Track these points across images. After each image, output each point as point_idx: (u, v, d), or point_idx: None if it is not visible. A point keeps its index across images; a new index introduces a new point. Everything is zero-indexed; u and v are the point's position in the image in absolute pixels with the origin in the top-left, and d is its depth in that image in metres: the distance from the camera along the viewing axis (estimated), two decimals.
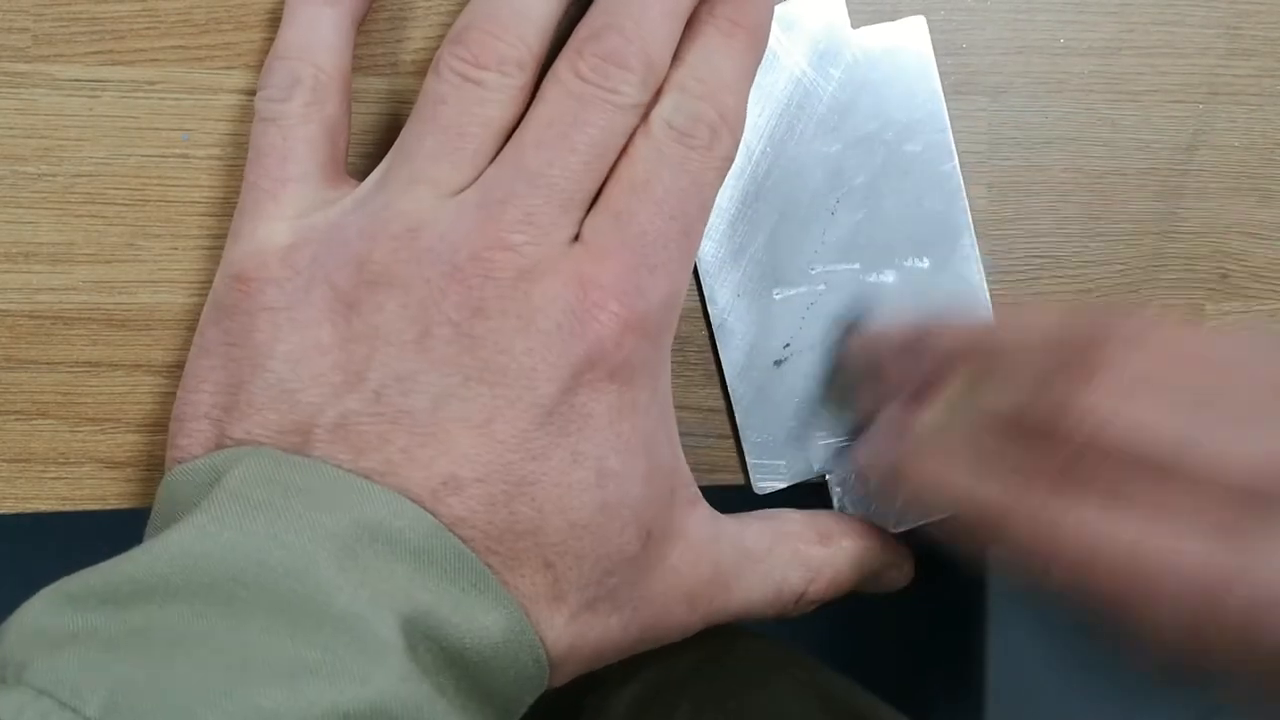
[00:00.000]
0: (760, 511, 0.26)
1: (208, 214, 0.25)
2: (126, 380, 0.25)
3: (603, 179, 0.22)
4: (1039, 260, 0.28)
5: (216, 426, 0.21)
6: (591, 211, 0.22)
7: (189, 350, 0.25)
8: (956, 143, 0.27)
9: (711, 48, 0.23)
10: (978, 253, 0.27)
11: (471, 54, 0.22)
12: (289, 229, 0.22)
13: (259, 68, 0.25)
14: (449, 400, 0.20)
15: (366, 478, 0.20)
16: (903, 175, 0.27)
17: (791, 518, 0.26)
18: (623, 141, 0.22)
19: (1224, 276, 0.29)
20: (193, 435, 0.21)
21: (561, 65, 0.22)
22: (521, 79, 0.22)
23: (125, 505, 0.25)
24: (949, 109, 0.27)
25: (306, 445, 0.20)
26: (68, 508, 0.25)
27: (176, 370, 0.25)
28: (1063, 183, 0.28)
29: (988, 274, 0.28)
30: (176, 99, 0.25)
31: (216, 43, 0.25)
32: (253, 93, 0.25)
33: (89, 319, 0.25)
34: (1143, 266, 0.29)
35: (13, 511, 0.25)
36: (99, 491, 0.25)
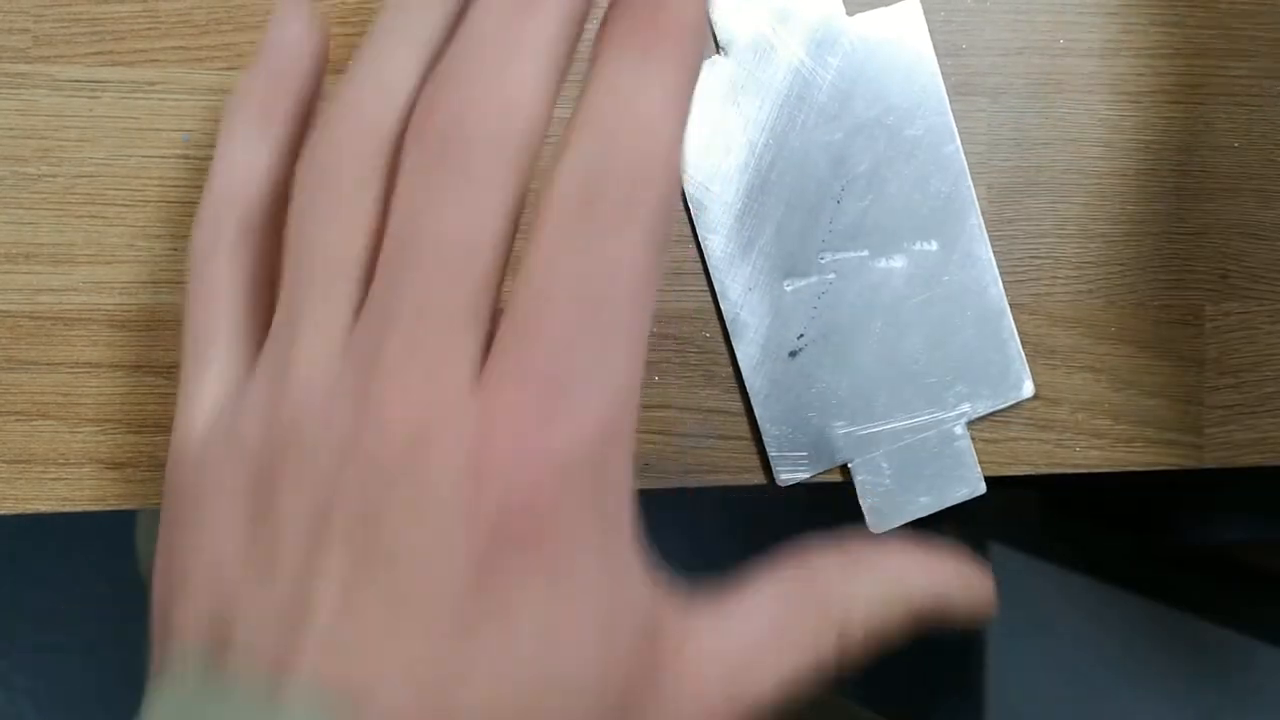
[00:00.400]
0: (757, 574, 0.21)
1: None
2: (127, 381, 0.25)
3: (501, 275, 0.18)
4: (1039, 260, 0.28)
5: (163, 620, 0.19)
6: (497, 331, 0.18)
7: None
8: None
9: (622, 70, 0.17)
10: (986, 232, 0.27)
11: (320, 165, 0.19)
12: (203, 413, 0.20)
13: None
14: (355, 605, 0.17)
15: (278, 694, 0.17)
16: (906, 159, 0.27)
17: (789, 570, 0.21)
18: (510, 225, 0.18)
19: (1224, 277, 0.29)
20: (157, 626, 0.20)
21: (406, 143, 0.18)
22: (380, 182, 0.19)
23: (125, 506, 0.25)
24: (949, 109, 0.27)
25: (222, 655, 0.18)
26: (68, 508, 0.25)
27: (176, 370, 0.25)
28: (1063, 183, 0.28)
29: None
30: (177, 100, 0.25)
31: (217, 43, 0.25)
32: None
33: (89, 319, 0.25)
34: (1142, 267, 0.29)
35: (13, 512, 0.25)
36: (99, 492, 0.25)
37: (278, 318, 0.19)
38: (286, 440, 0.18)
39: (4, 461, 0.25)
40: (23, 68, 0.25)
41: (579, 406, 0.17)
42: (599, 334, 0.17)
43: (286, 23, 0.21)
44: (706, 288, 0.27)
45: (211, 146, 0.25)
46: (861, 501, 0.27)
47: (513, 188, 0.17)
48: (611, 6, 0.18)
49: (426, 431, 0.17)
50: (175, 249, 0.25)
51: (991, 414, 0.28)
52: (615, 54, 0.17)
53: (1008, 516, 0.95)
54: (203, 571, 0.19)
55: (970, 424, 0.27)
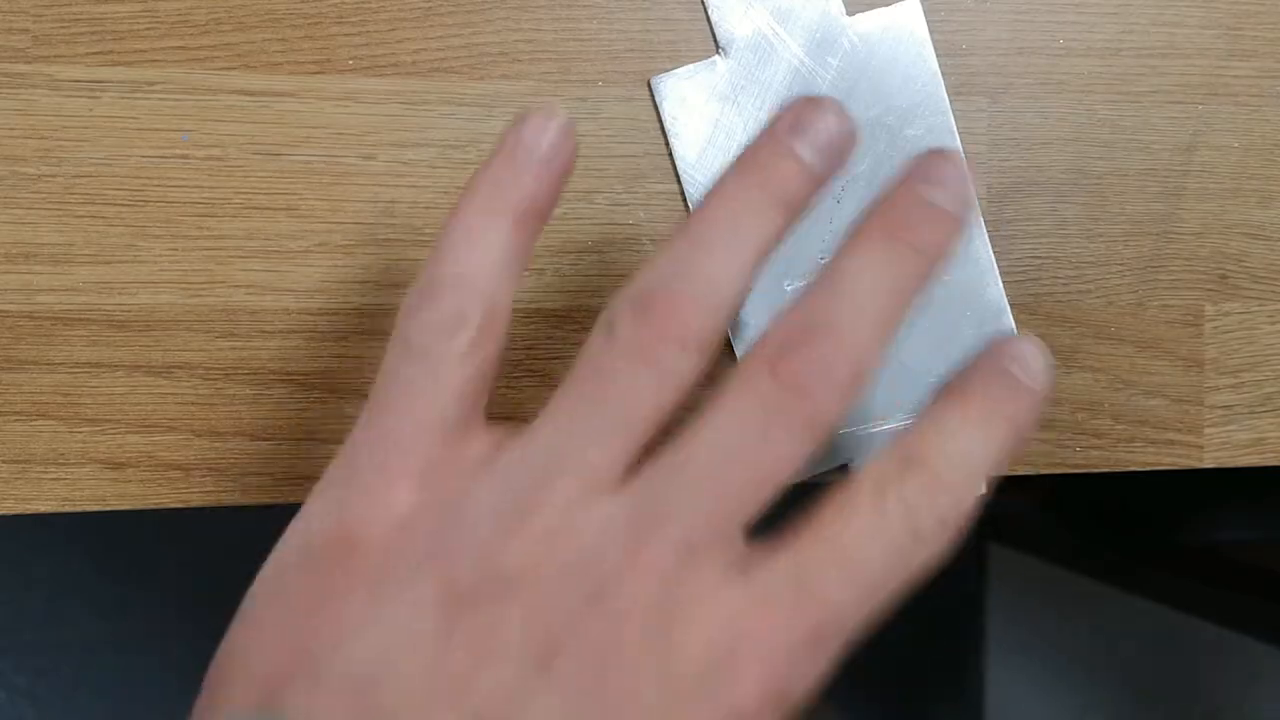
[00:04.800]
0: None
1: (208, 214, 0.25)
2: (126, 381, 0.25)
3: (773, 499, 0.19)
4: (1039, 260, 0.28)
5: (267, 687, 0.18)
6: (774, 550, 0.19)
7: (189, 357, 0.25)
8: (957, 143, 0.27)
9: (969, 423, 0.20)
10: (985, 232, 0.27)
11: (655, 326, 0.19)
12: (413, 491, 0.19)
13: (259, 68, 0.25)
14: None
15: None
16: (906, 159, 0.27)
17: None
18: (802, 466, 0.19)
19: (1223, 277, 0.29)
20: (238, 686, 0.18)
21: (755, 364, 0.19)
22: (702, 363, 0.19)
23: (124, 506, 0.25)
24: (949, 109, 0.27)
25: None
26: (67, 508, 0.25)
27: (176, 370, 0.25)
28: (1063, 183, 0.28)
29: None
30: (176, 99, 0.25)
31: (217, 43, 0.25)
32: (253, 93, 0.25)
33: (89, 320, 0.25)
34: (1142, 267, 0.29)
35: (13, 512, 0.25)
36: (99, 492, 0.25)
37: (546, 425, 0.19)
38: (534, 549, 0.18)
39: (4, 461, 0.25)
40: (23, 68, 0.25)
41: (819, 664, 0.19)
42: (860, 615, 0.19)
43: (546, 125, 0.21)
44: None
45: (212, 147, 0.25)
46: None
47: (818, 442, 0.19)
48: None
49: (688, 604, 0.18)
50: (175, 249, 0.25)
51: None
52: (977, 404, 0.20)
53: (1008, 516, 0.95)
54: (363, 654, 0.18)
55: None
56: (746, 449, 0.18)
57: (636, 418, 0.19)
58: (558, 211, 0.27)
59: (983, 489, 0.20)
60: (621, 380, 0.19)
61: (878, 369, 0.19)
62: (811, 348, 0.19)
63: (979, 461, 0.20)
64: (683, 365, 0.19)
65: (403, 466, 0.19)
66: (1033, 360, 0.20)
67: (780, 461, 0.19)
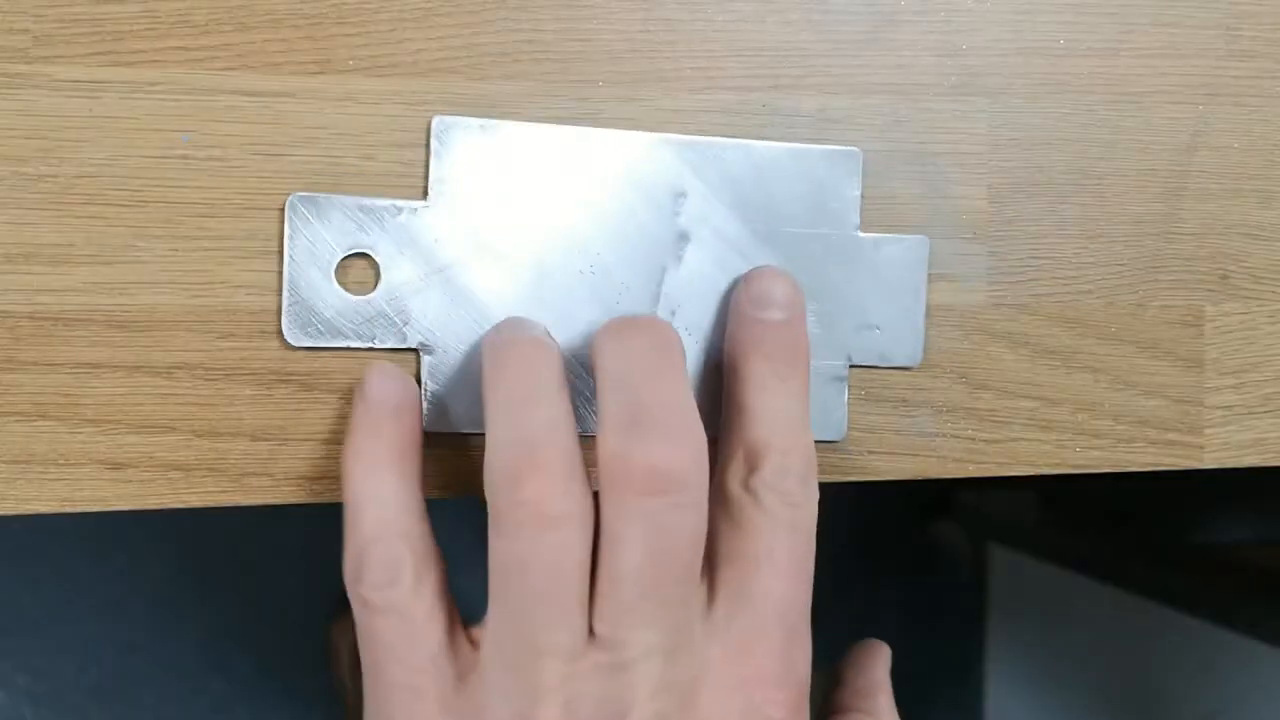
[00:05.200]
0: None
1: (208, 215, 0.25)
2: (127, 381, 0.25)
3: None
4: (1039, 261, 0.28)
5: None
6: (715, 597, 0.22)
7: (190, 357, 0.25)
8: (957, 143, 0.27)
9: (774, 392, 0.23)
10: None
11: (536, 498, 0.21)
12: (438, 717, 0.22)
13: (259, 69, 0.25)
14: None
15: None
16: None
17: None
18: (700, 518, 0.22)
19: (1224, 278, 0.29)
20: None
21: (731, 482, 0.23)
22: (590, 504, 0.21)
23: (125, 507, 0.25)
24: (949, 109, 0.27)
25: None
26: (68, 509, 0.25)
27: (177, 371, 0.25)
28: (1063, 184, 0.28)
29: (988, 275, 0.28)
30: (176, 100, 0.25)
31: (217, 44, 0.25)
32: (253, 94, 0.25)
33: (89, 320, 0.25)
34: (1142, 267, 0.29)
35: (13, 512, 0.25)
36: (99, 493, 0.25)
37: (500, 626, 0.22)
38: None
39: (4, 461, 0.25)
40: (22, 68, 0.25)
41: (805, 646, 0.23)
42: (804, 590, 0.23)
43: (383, 373, 0.24)
44: None
45: (212, 148, 0.25)
46: None
47: (702, 506, 0.22)
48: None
49: (691, 691, 0.22)
50: (175, 249, 0.25)
51: (873, 367, 0.27)
52: (766, 373, 0.24)
53: (1008, 516, 0.95)
54: None
55: (967, 425, 0.27)
56: (663, 548, 0.21)
57: (568, 583, 0.21)
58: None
59: (809, 427, 0.24)
60: (535, 564, 0.21)
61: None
62: (640, 451, 0.21)
63: (797, 414, 0.23)
64: (579, 514, 0.21)
65: (422, 708, 0.22)
66: (770, 291, 0.24)
67: (693, 536, 0.21)
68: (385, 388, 0.23)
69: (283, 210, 0.25)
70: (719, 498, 0.23)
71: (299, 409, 0.26)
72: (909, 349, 0.27)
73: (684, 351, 0.22)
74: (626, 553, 0.21)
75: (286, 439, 0.26)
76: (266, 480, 0.26)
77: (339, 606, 0.85)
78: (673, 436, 0.21)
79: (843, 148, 0.27)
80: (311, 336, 0.25)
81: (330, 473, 0.26)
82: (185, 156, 0.25)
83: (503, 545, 0.21)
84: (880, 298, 0.27)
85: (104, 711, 0.91)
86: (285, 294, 0.25)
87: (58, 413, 0.25)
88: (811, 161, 0.27)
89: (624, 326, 0.23)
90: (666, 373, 0.22)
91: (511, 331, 0.23)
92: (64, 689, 0.91)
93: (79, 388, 0.25)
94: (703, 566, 0.22)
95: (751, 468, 0.23)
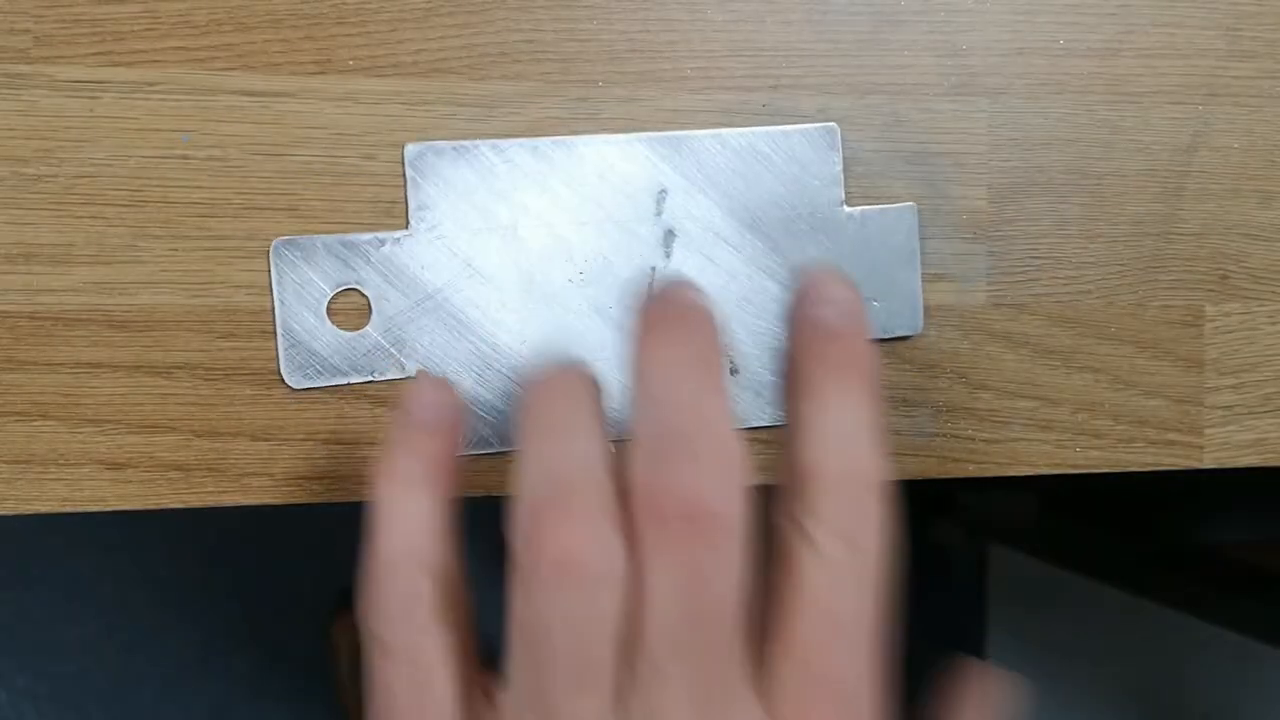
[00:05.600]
0: None
1: (208, 215, 0.25)
2: (127, 381, 0.25)
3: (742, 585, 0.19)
4: (1039, 260, 0.28)
5: None
6: (773, 659, 0.19)
7: (190, 357, 0.25)
8: (956, 143, 0.27)
9: (832, 405, 0.20)
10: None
11: (563, 552, 0.18)
12: None
13: (260, 69, 0.25)
14: None
15: None
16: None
17: None
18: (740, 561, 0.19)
19: (1223, 278, 0.29)
20: None
21: (785, 524, 0.19)
22: (623, 550, 0.18)
23: (125, 507, 0.25)
24: (949, 109, 0.27)
25: None
26: (68, 509, 0.25)
27: (177, 371, 0.25)
28: (1063, 184, 0.28)
29: (988, 275, 0.28)
30: (176, 100, 0.25)
31: (217, 44, 0.25)
32: (254, 94, 0.25)
33: (89, 320, 0.25)
34: (1142, 267, 0.29)
35: (13, 513, 0.25)
36: (99, 493, 0.25)
37: (521, 692, 0.19)
38: None
39: (4, 461, 0.25)
40: (23, 68, 0.25)
41: None
42: (870, 657, 0.19)
43: (427, 386, 0.22)
44: None
45: (212, 148, 0.25)
46: None
47: (745, 545, 0.19)
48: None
49: None
50: (175, 249, 0.25)
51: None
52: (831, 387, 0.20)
53: (1008, 516, 0.95)
54: None
55: (967, 425, 0.27)
56: (698, 598, 0.18)
57: (595, 651, 0.18)
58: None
59: (882, 454, 0.20)
60: (559, 626, 0.18)
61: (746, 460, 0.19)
62: (669, 482, 0.19)
63: (859, 429, 0.19)
64: (610, 569, 0.18)
65: None
66: (835, 292, 0.20)
67: (724, 578, 0.18)
68: (428, 401, 0.21)
69: (282, 210, 0.25)
70: (769, 533, 0.20)
71: (299, 409, 0.26)
72: (908, 318, 0.27)
73: (727, 356, 0.21)
74: (657, 605, 0.18)
75: (286, 439, 0.26)
76: (266, 480, 0.26)
77: (340, 605, 0.85)
78: (710, 466, 0.18)
79: (819, 125, 0.27)
80: (310, 378, 0.25)
81: (330, 473, 0.26)
82: (185, 156, 0.25)
83: (524, 602, 0.19)
84: (874, 271, 0.27)
85: (104, 711, 0.91)
86: (280, 338, 0.25)
87: (58, 413, 0.25)
88: (789, 142, 0.27)
89: (667, 325, 0.20)
90: (708, 392, 0.19)
91: (547, 362, 0.21)
92: (64, 689, 0.91)
93: (79, 388, 0.25)
94: (754, 613, 0.19)
95: (801, 497, 0.19)
